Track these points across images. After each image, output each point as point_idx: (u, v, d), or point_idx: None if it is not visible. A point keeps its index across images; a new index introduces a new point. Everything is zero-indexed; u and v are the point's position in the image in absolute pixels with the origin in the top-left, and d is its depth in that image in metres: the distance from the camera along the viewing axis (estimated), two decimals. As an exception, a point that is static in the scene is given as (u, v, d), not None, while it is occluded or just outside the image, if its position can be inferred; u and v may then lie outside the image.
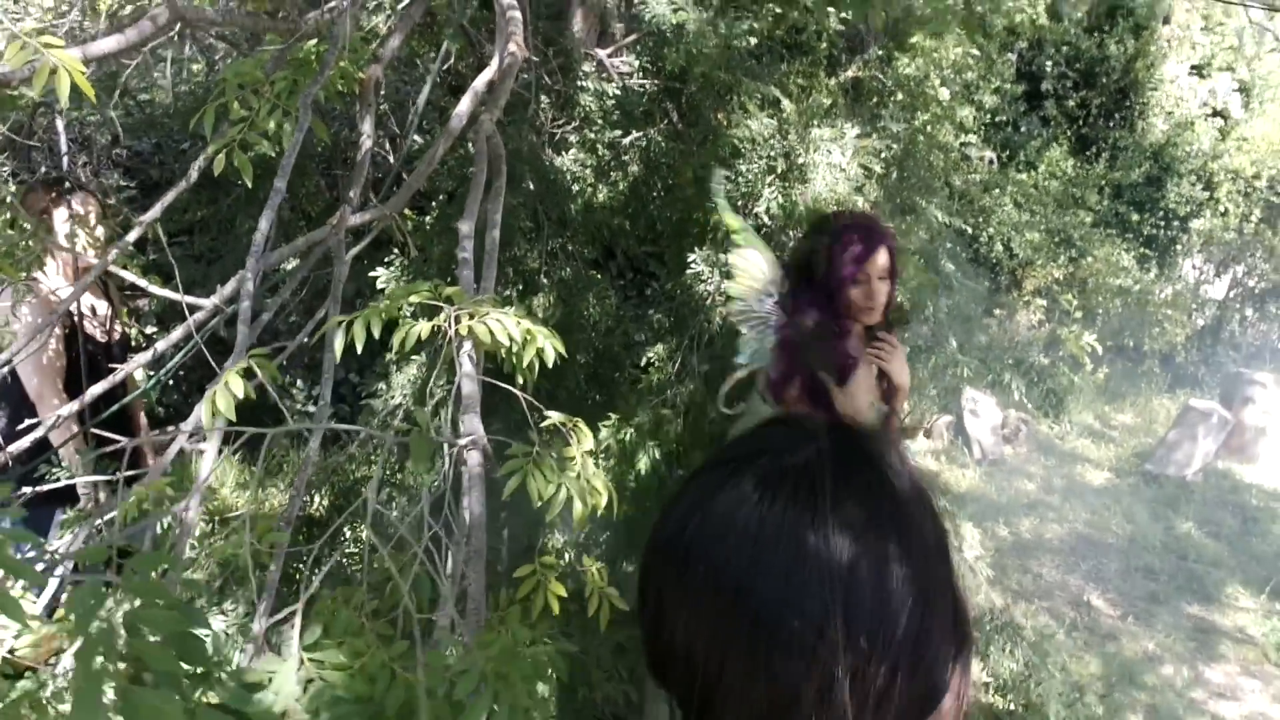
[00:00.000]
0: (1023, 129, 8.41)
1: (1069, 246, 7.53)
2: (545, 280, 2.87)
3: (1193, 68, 8.63)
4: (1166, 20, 8.32)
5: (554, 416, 1.20)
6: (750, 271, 2.23)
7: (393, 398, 2.63)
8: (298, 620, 1.13)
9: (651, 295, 3.77)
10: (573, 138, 3.38)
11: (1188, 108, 8.44)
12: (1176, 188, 8.25)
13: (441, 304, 1.15)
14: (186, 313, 1.68)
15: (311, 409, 4.97)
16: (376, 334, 1.12)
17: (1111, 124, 8.54)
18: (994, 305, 5.83)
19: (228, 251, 4.90)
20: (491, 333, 1.09)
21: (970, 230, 6.67)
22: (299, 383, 4.83)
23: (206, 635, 0.78)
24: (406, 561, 1.04)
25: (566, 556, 2.60)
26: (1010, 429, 6.08)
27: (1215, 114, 8.49)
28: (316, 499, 2.61)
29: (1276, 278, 7.67)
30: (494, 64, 1.55)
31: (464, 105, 1.64)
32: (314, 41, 1.49)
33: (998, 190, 7.62)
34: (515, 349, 1.11)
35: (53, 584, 1.21)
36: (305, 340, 1.71)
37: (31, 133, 4.13)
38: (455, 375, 1.17)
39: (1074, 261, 7.40)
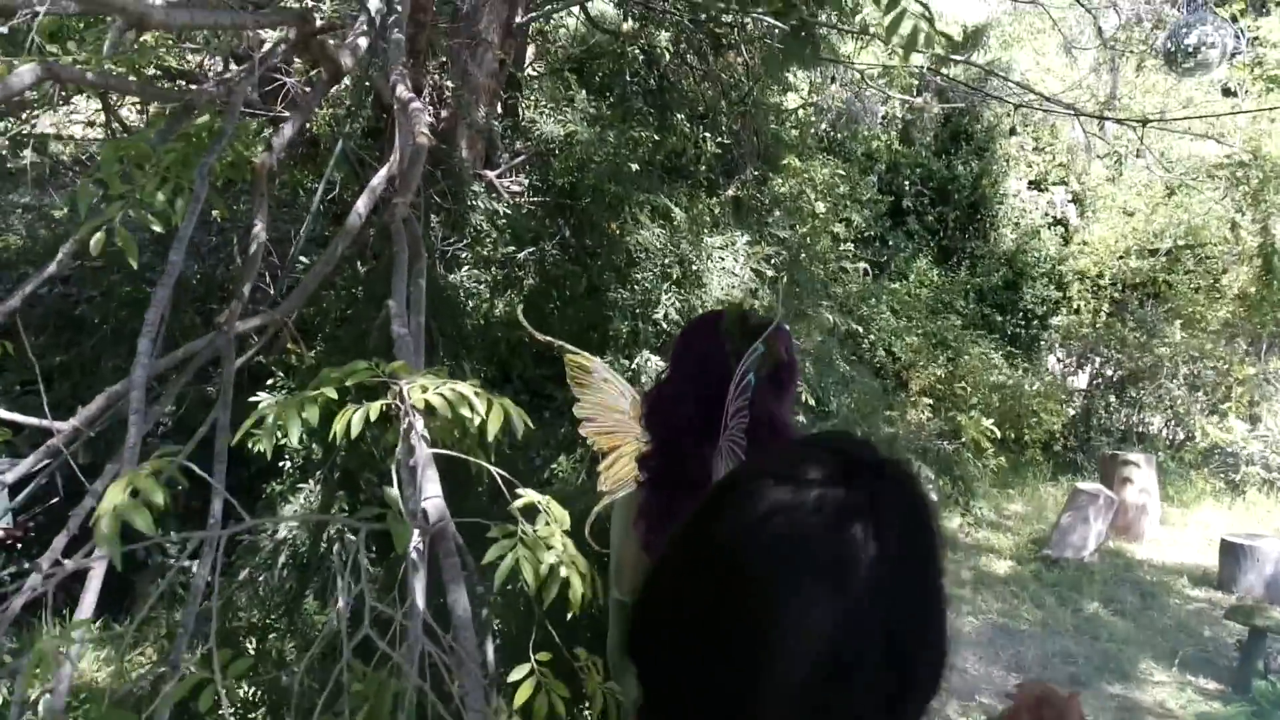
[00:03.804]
0: (890, 243, 8.98)
1: (945, 348, 7.94)
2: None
3: (1031, 183, 9.50)
4: (1014, 132, 9.16)
5: (528, 494, 1.07)
6: (599, 394, 1.94)
7: (279, 531, 2.40)
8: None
9: (549, 417, 3.68)
10: (465, 254, 3.34)
11: (1032, 218, 9.23)
12: (1032, 290, 8.90)
13: (386, 379, 1.02)
14: (54, 432, 1.49)
15: (186, 564, 4.53)
16: (314, 421, 0.97)
17: (967, 235, 9.23)
18: (886, 405, 6.00)
19: (90, 397, 4.52)
20: (451, 404, 0.97)
21: (854, 336, 6.94)
22: (172, 533, 4.42)
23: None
24: (379, 685, 0.87)
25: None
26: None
27: (1057, 222, 9.30)
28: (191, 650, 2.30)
29: (1131, 365, 8.25)
30: (394, 158, 1.50)
31: (362, 203, 1.56)
32: (204, 119, 1.40)
33: (874, 300, 8.03)
34: (479, 420, 1.00)
35: None
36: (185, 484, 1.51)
37: None
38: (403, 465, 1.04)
39: (952, 361, 7.79)
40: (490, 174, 3.80)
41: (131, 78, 1.59)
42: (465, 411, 0.99)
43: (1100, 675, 4.28)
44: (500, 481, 1.04)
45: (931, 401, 6.93)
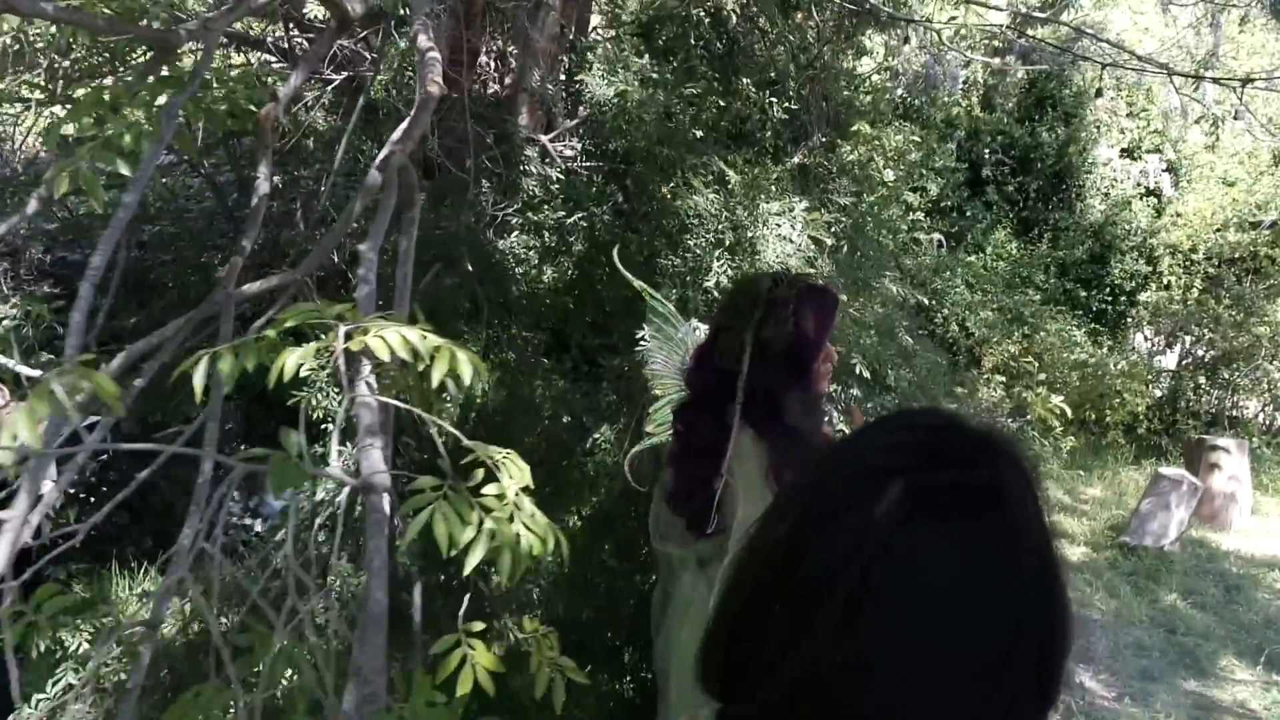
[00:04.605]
0: (968, 214, 8.62)
1: (1021, 324, 7.60)
2: (486, 364, 2.71)
3: (1123, 151, 8.98)
4: (1099, 94, 8.66)
5: (478, 447, 1.00)
6: (664, 340, 2.07)
7: (316, 493, 2.42)
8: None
9: (606, 387, 3.63)
10: (515, 220, 3.29)
11: (1122, 188, 8.73)
12: (1120, 264, 8.44)
13: (332, 323, 0.97)
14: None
15: (248, 522, 4.67)
16: (250, 367, 0.94)
17: (1050, 206, 8.79)
18: (956, 383, 5.78)
19: (158, 357, 4.67)
20: (390, 348, 0.92)
21: (926, 310, 6.70)
22: (235, 493, 4.54)
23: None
24: (281, 642, 0.83)
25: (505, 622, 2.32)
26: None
27: (1149, 193, 8.78)
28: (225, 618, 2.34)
29: (1224, 345, 7.76)
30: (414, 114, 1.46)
31: (382, 158, 1.52)
32: (190, 61, 1.37)
33: (948, 273, 7.73)
34: (422, 365, 0.94)
35: None
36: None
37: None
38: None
39: (1028, 338, 7.45)
40: (544, 138, 3.74)
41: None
42: (405, 355, 0.93)
43: (1175, 670, 4.06)
44: (438, 437, 0.98)
45: (1005, 379, 6.65)
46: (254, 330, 1.38)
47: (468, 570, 0.89)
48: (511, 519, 0.90)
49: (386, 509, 0.93)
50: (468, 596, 1.23)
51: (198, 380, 0.92)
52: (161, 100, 1.23)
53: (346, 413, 0.98)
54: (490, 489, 0.95)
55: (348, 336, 0.94)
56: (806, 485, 0.63)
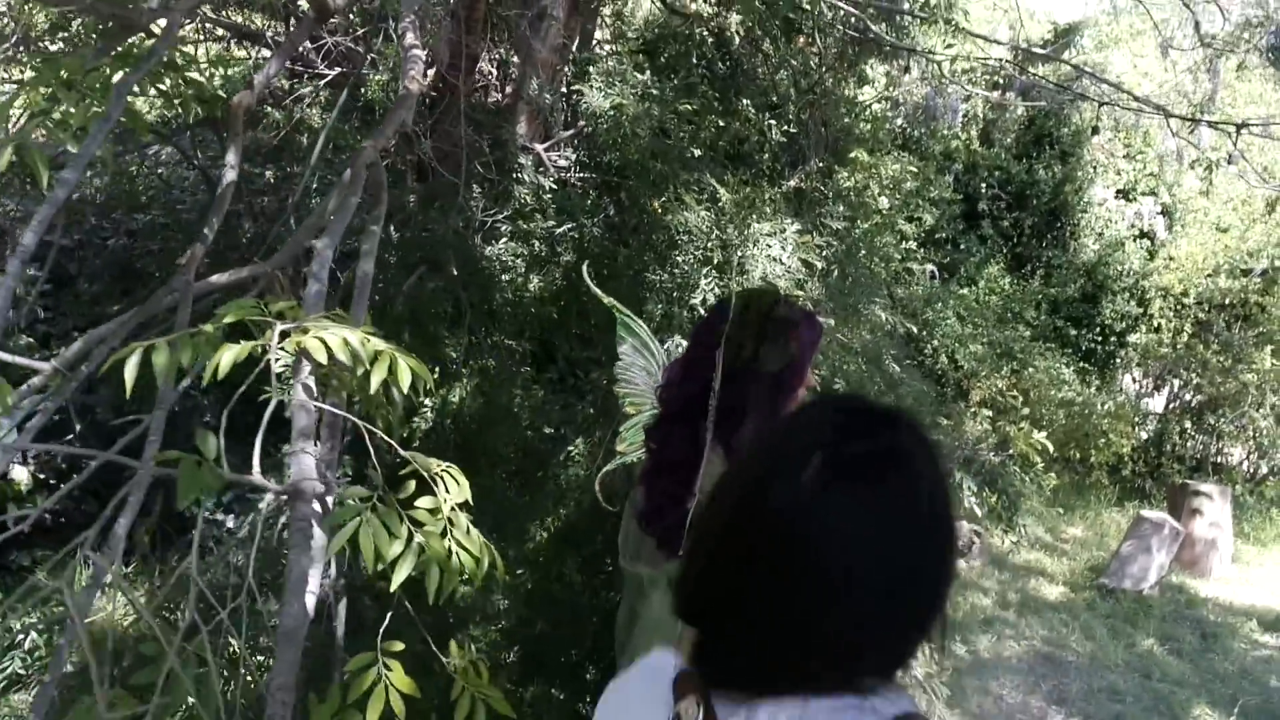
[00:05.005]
0: (962, 246, 8.63)
1: (1010, 359, 7.60)
2: (465, 370, 2.68)
3: (1118, 192, 9.03)
4: (1096, 131, 8.70)
5: (416, 459, 0.97)
6: (638, 358, 2.04)
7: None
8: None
9: (588, 399, 3.60)
10: (504, 227, 3.27)
11: (1116, 229, 8.77)
12: (1111, 304, 8.46)
13: (271, 320, 0.94)
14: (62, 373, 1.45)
15: (220, 518, 4.60)
16: (188, 361, 0.90)
17: (1044, 243, 8.82)
18: (942, 413, 5.76)
19: (108, 343, 4.64)
20: (328, 349, 0.88)
21: (916, 341, 6.69)
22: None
23: None
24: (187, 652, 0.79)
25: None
26: (963, 541, 5.91)
27: (1143, 235, 8.82)
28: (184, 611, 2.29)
29: (1211, 391, 7.77)
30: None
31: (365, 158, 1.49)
32: (152, 40, 1.34)
33: (940, 304, 7.73)
34: (362, 369, 0.90)
35: None
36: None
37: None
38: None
39: (1016, 373, 7.44)
40: (539, 146, 3.72)
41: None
42: (343, 357, 0.89)
43: (1149, 717, 4.02)
44: (373, 449, 0.94)
45: (992, 414, 6.63)
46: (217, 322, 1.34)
47: (394, 587, 0.85)
48: (444, 534, 0.87)
49: (320, 512, 0.89)
50: (391, 608, 1.18)
51: (129, 373, 0.89)
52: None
53: (275, 414, 0.94)
54: (424, 502, 0.91)
55: (284, 336, 0.90)
56: (749, 462, 0.73)
